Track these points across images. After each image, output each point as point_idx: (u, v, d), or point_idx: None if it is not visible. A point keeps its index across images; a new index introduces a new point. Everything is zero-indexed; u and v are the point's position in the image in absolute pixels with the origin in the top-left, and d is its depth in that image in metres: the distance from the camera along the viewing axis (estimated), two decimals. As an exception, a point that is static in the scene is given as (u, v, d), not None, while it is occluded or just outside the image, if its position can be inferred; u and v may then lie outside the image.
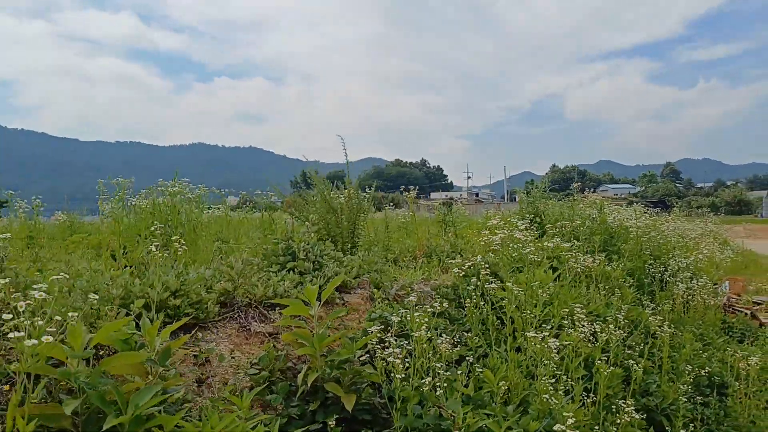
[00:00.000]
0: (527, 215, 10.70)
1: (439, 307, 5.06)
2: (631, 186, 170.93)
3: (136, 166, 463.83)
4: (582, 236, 8.97)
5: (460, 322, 5.06)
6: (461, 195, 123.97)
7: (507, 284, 4.75)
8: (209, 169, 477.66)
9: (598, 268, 7.69)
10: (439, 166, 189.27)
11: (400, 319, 3.95)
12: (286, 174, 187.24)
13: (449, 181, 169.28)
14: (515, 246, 5.04)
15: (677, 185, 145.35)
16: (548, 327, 5.52)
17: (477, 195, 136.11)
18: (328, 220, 7.72)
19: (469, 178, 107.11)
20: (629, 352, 6.24)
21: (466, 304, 4.82)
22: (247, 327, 3.84)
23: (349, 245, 7.61)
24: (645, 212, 12.87)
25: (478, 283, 4.84)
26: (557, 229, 9.32)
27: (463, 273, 5.13)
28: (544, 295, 5.38)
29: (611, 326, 5.89)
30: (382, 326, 4.11)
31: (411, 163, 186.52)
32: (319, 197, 7.92)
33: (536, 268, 5.34)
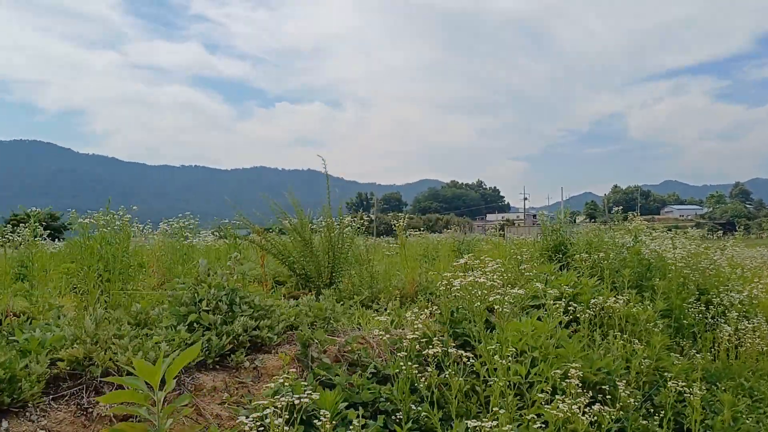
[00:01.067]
0: (551, 245, 9.48)
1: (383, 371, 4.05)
2: (698, 207, 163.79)
3: (199, 189, 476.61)
4: (608, 270, 7.75)
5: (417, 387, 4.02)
6: (518, 216, 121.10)
7: (453, 349, 3.69)
8: (270, 192, 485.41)
9: (622, 309, 6.51)
10: (495, 187, 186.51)
11: (299, 399, 2.93)
12: (344, 196, 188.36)
13: (506, 203, 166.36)
14: (481, 292, 3.97)
15: (747, 206, 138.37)
16: (535, 392, 4.42)
17: (535, 216, 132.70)
18: (305, 255, 6.81)
19: (525, 199, 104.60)
20: (644, 422, 4.98)
21: (397, 375, 3.77)
22: (89, 409, 2.93)
23: (326, 283, 6.66)
24: (703, 236, 11.23)
25: (409, 345, 3.81)
26: (581, 263, 8.12)
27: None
28: (522, 350, 4.29)
29: (620, 389, 4.73)
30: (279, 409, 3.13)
31: (467, 185, 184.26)
32: (292, 229, 7.02)
33: (509, 320, 4.24)
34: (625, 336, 6.00)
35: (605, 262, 7.78)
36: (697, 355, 6.52)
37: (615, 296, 6.52)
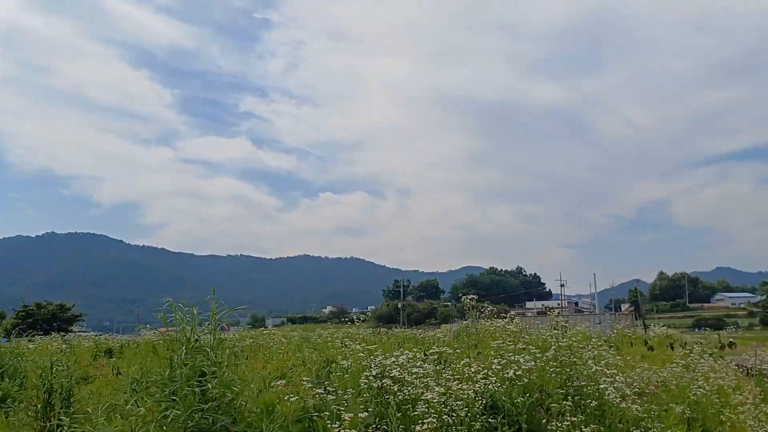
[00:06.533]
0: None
1: None
2: (750, 295, 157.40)
3: (244, 278, 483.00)
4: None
5: None
6: (558, 304, 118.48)
7: None
8: (313, 279, 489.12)
9: None
10: (536, 273, 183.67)
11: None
12: (383, 284, 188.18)
13: (547, 290, 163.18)
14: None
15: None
16: None
17: (576, 304, 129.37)
18: None
19: (562, 286, 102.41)
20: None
21: None
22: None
23: None
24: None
25: None
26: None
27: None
28: None
29: None
30: None
31: (506, 271, 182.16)
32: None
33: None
34: None
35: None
36: None
37: None
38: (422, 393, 4.55)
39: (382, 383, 4.71)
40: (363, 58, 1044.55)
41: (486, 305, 9.14)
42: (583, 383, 7.44)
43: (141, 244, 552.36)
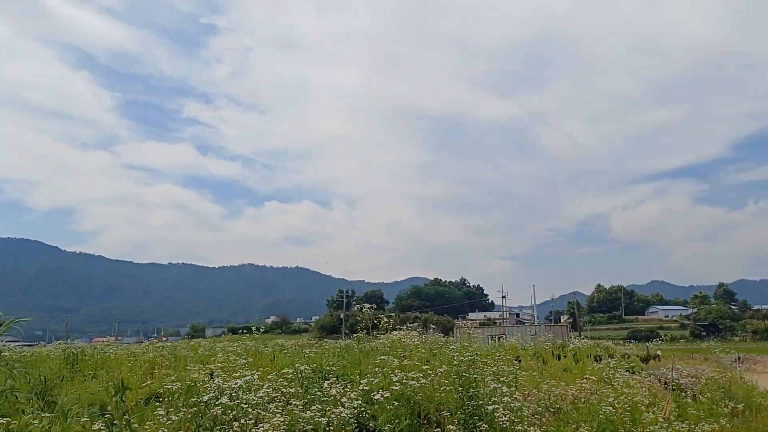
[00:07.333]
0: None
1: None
2: (682, 308, 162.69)
3: (185, 287, 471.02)
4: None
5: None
6: (500, 315, 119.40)
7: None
8: (257, 289, 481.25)
9: None
10: (479, 285, 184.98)
11: None
12: (328, 294, 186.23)
13: (490, 301, 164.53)
14: None
15: (732, 307, 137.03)
16: None
17: (518, 315, 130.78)
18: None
19: (503, 297, 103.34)
20: None
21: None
22: None
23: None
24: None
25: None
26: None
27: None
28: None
29: None
30: None
31: (450, 283, 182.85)
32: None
33: None
34: None
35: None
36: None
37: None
38: (256, 424, 3.75)
39: (213, 412, 3.92)
40: (312, 67, 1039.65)
41: (382, 316, 8.46)
42: (481, 402, 6.84)
43: (77, 251, 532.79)
